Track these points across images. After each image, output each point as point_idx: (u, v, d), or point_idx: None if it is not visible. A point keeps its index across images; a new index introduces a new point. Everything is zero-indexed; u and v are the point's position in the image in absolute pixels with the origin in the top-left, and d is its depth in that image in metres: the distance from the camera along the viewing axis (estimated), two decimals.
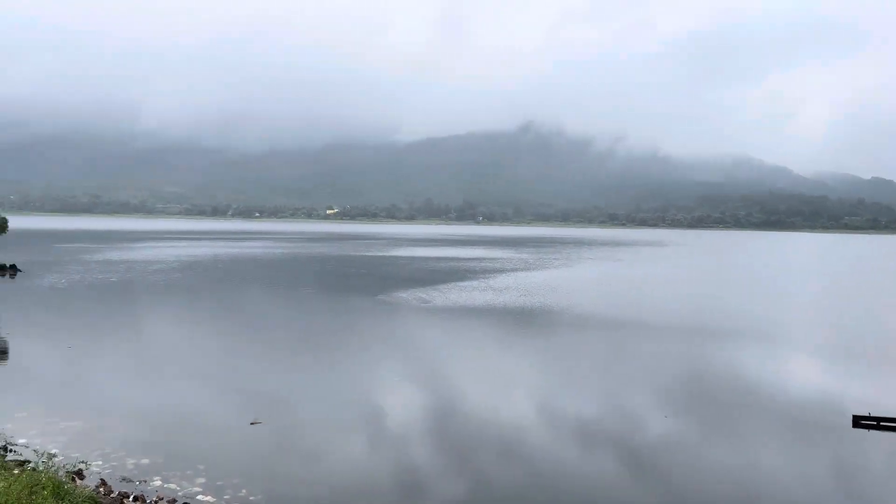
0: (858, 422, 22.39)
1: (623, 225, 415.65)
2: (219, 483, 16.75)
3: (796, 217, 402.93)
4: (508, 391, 27.29)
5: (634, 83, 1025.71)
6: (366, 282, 69.53)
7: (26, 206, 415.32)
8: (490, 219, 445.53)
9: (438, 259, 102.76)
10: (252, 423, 21.31)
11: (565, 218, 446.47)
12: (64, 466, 15.39)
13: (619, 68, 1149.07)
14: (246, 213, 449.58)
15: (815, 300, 64.44)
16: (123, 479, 16.88)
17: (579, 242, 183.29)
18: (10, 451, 18.34)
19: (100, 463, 17.80)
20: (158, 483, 16.76)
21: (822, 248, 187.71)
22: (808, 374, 32.21)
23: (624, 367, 31.77)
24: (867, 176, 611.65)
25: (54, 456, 15.26)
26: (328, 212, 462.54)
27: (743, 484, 17.82)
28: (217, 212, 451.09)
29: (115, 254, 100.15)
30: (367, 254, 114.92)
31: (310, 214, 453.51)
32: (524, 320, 44.17)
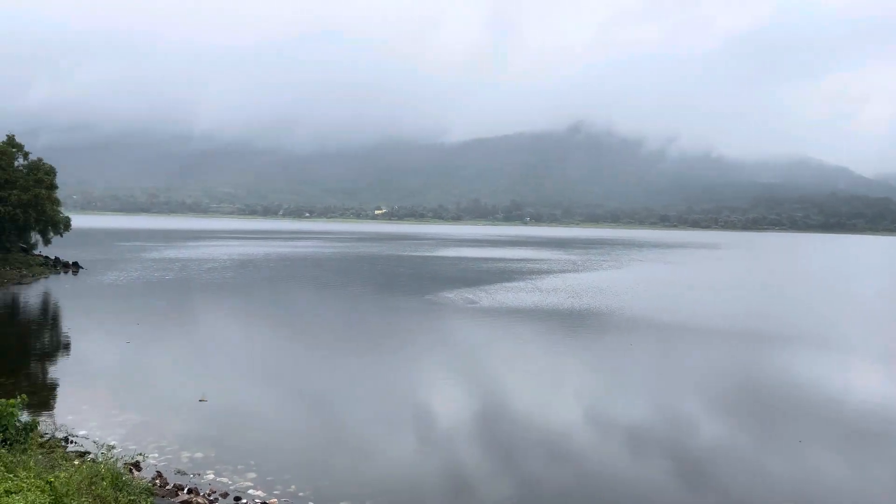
0: None
1: (675, 226, 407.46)
2: (269, 478, 17.06)
3: (858, 219, 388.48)
4: (556, 393, 27.04)
5: (689, 82, 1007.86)
6: (413, 282, 69.87)
7: (88, 206, 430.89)
8: (538, 219, 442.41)
9: (485, 260, 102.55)
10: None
11: (615, 219, 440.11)
12: (122, 458, 15.90)
13: (673, 67, 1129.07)
14: (296, 213, 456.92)
15: (879, 304, 61.93)
16: (178, 472, 17.34)
17: (629, 244, 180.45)
18: (72, 442, 19.03)
19: (156, 455, 18.32)
20: (211, 476, 17.16)
21: (885, 251, 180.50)
22: (871, 381, 30.99)
23: (675, 371, 31.14)
24: None
25: (113, 448, 15.74)
26: (376, 212, 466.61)
27: (801, 495, 17.26)
28: (268, 211, 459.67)
29: (171, 252, 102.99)
30: (414, 254, 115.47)
31: (358, 214, 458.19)
32: (572, 322, 43.74)
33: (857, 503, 17.04)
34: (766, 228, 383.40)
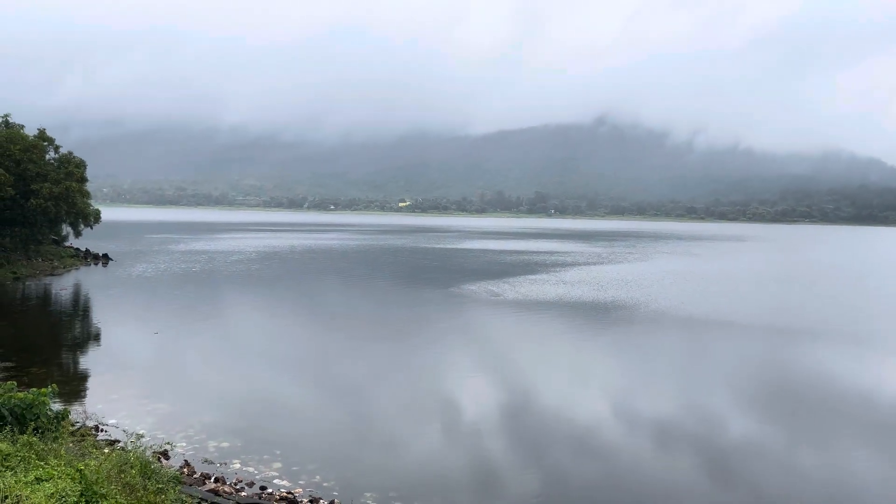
0: None
1: (701, 219, 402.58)
2: (294, 468, 17.17)
3: (890, 211, 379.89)
4: (582, 387, 26.87)
5: (716, 73, 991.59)
6: (437, 274, 69.90)
7: (118, 199, 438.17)
8: (562, 212, 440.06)
9: (509, 252, 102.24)
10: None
11: (641, 211, 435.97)
12: (151, 447, 16.08)
13: (701, 58, 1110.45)
14: (321, 206, 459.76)
15: None
16: (205, 461, 17.53)
17: (655, 236, 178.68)
18: (102, 430, 19.33)
19: (183, 444, 18.54)
20: (237, 466, 17.33)
21: None
22: None
23: (703, 366, 30.78)
24: None
25: (142, 436, 15.94)
26: (400, 204, 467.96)
27: (834, 493, 16.94)
28: (293, 204, 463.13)
29: (198, 244, 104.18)
30: (438, 246, 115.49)
31: (383, 207, 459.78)
32: (597, 315, 43.42)
33: (891, 499, 16.68)
34: (796, 220, 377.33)
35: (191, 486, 15.37)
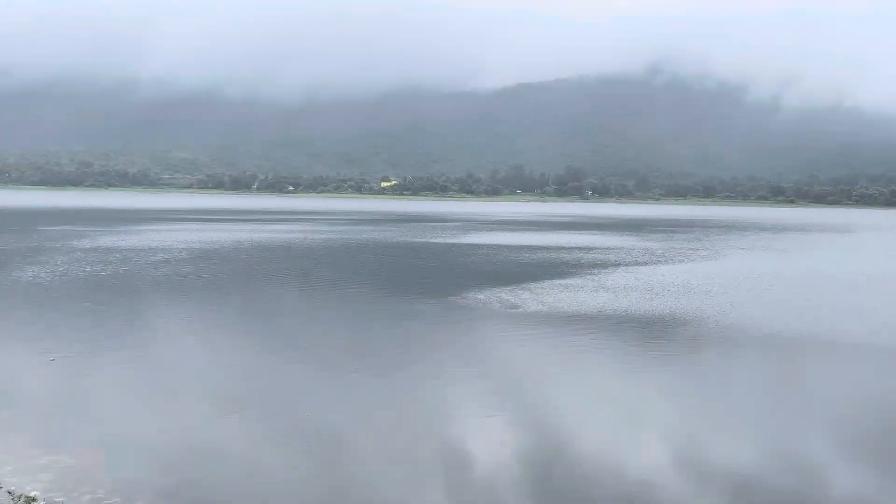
0: None
1: (791, 202, 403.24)
2: None
3: None
4: (630, 430, 26.86)
5: (814, 9, 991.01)
6: (434, 278, 69.94)
7: (1, 178, 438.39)
8: (603, 193, 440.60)
9: (531, 248, 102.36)
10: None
11: (709, 193, 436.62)
12: None
13: None
14: (277, 187, 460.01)
15: None
16: None
17: (729, 226, 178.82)
18: None
19: None
20: None
21: None
22: None
23: (795, 402, 30.81)
24: None
25: (34, 500, 15.90)
26: (384, 184, 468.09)
27: None
28: (239, 184, 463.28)
29: (109, 239, 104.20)
30: (435, 241, 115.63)
31: (360, 188, 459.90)
32: (651, 333, 43.45)
33: None
34: None
35: None
